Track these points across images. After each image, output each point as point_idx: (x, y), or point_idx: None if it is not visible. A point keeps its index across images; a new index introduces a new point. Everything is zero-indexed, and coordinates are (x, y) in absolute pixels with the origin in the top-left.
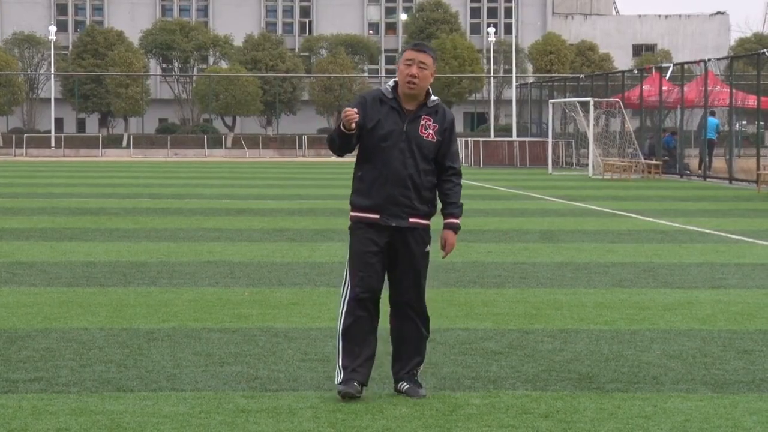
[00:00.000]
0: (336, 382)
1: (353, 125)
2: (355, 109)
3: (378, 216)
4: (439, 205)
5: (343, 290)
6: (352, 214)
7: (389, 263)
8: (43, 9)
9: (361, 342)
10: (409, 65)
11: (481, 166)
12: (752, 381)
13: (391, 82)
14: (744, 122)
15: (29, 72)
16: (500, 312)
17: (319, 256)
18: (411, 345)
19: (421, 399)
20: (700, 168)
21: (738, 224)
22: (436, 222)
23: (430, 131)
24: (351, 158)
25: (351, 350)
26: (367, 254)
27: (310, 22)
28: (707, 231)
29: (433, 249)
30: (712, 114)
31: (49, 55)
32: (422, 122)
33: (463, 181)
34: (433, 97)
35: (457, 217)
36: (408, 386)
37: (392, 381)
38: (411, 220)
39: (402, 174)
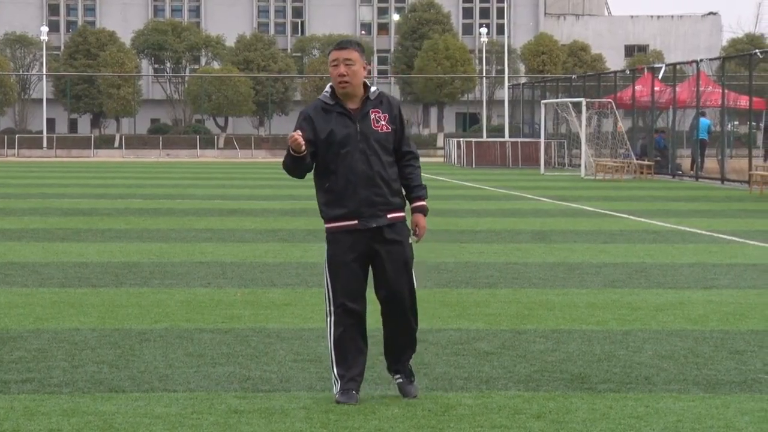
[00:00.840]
0: (334, 391)
1: (302, 147)
2: (299, 132)
3: (356, 221)
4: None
5: (326, 300)
6: (328, 225)
7: (374, 264)
8: (34, 9)
9: (353, 348)
10: (336, 65)
11: (474, 166)
12: (744, 381)
13: (327, 88)
14: (736, 123)
15: (21, 72)
16: (492, 312)
17: (312, 257)
18: (405, 338)
19: (412, 399)
20: (692, 168)
21: (730, 224)
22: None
23: (383, 122)
24: None
25: (344, 359)
26: (348, 263)
27: (302, 23)
28: (699, 231)
29: (434, 248)
30: (703, 114)
31: (41, 56)
32: (372, 116)
33: (454, 182)
34: (373, 88)
35: (423, 199)
36: (401, 380)
37: (386, 370)
38: (389, 216)
39: (370, 174)
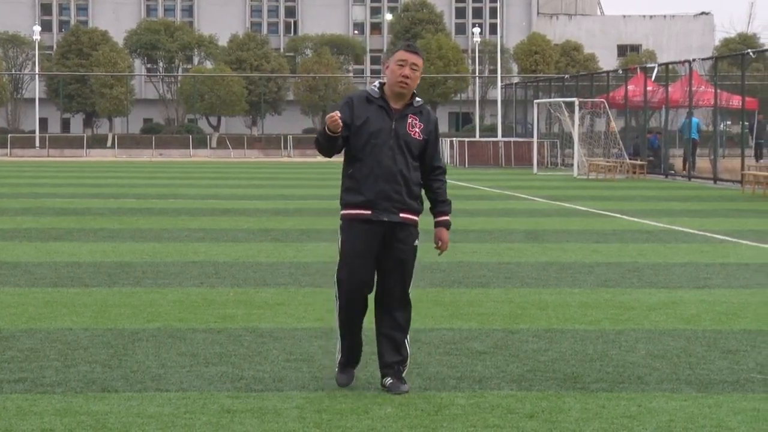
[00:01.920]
0: (337, 371)
1: (339, 129)
2: (338, 113)
3: (370, 212)
4: (427, 204)
5: (336, 285)
6: (344, 212)
7: (378, 258)
8: (27, 9)
9: (356, 333)
10: (402, 66)
11: (466, 166)
12: (736, 381)
13: (377, 83)
14: (728, 122)
15: (14, 72)
16: (485, 312)
17: (305, 257)
18: (398, 335)
19: (403, 395)
20: (684, 168)
21: (722, 224)
22: (427, 222)
23: (417, 130)
24: (337, 158)
25: (350, 343)
26: (359, 250)
27: (295, 22)
28: (692, 231)
29: (429, 247)
30: (693, 114)
31: (34, 55)
32: (409, 120)
33: (448, 181)
34: (418, 98)
35: (448, 215)
36: (391, 381)
37: (378, 371)
38: (402, 215)
39: (393, 170)
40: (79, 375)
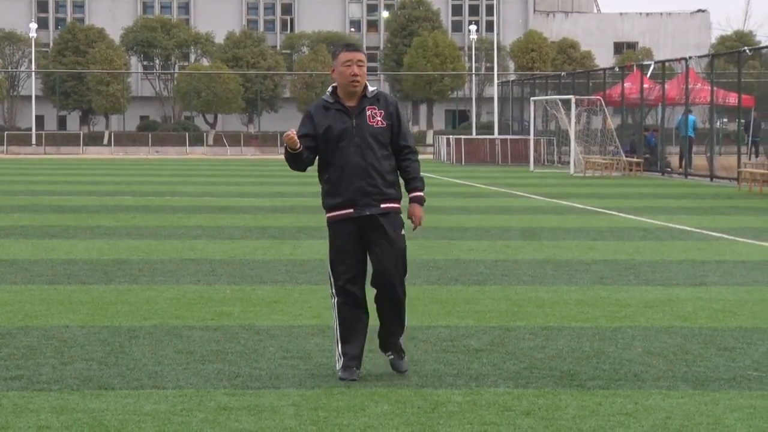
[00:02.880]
0: (337, 368)
1: (297, 145)
2: (293, 130)
3: (352, 210)
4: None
5: (330, 284)
6: (328, 215)
7: (369, 249)
8: (23, 6)
9: (356, 328)
10: (349, 65)
11: (463, 163)
12: (733, 378)
13: (329, 89)
14: (725, 120)
15: (10, 69)
16: (482, 309)
17: (301, 254)
18: (395, 318)
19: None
20: (680, 165)
21: (719, 222)
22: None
23: (378, 118)
24: None
25: (349, 338)
26: (347, 246)
27: (292, 20)
28: (688, 228)
29: (425, 245)
30: (690, 112)
31: (30, 53)
32: (368, 113)
33: (444, 179)
34: (371, 88)
35: (420, 191)
36: (393, 356)
37: (378, 349)
38: (383, 206)
39: (363, 166)
40: (76, 372)
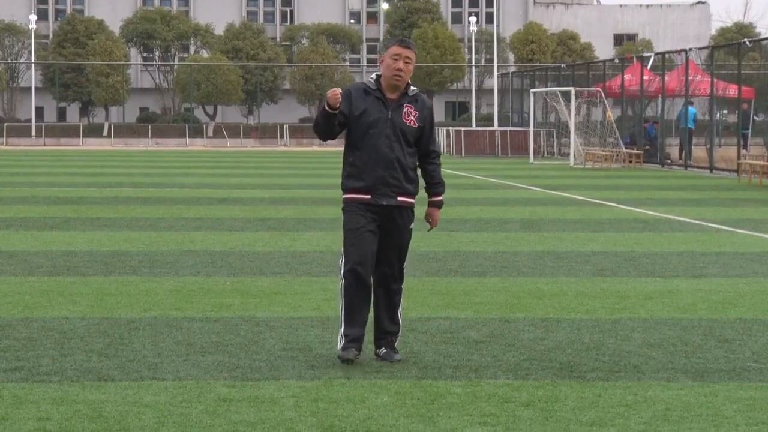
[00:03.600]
0: (338, 347)
1: (339, 102)
2: (339, 90)
3: (369, 196)
4: (422, 184)
5: (339, 266)
6: (345, 196)
7: (378, 239)
8: None
9: (360, 311)
10: (396, 60)
11: (463, 155)
12: (732, 370)
13: (373, 75)
14: (725, 112)
15: (9, 61)
16: (481, 301)
17: (301, 246)
18: (391, 311)
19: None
20: (680, 157)
21: (718, 213)
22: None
23: (412, 118)
24: (333, 147)
25: (352, 320)
26: (360, 230)
27: (292, 11)
28: (688, 220)
29: (425, 236)
30: (690, 104)
31: (30, 44)
32: (404, 110)
33: (444, 171)
34: (413, 87)
35: (440, 195)
36: (386, 351)
37: (373, 347)
38: (399, 198)
39: (390, 157)
40: (76, 364)
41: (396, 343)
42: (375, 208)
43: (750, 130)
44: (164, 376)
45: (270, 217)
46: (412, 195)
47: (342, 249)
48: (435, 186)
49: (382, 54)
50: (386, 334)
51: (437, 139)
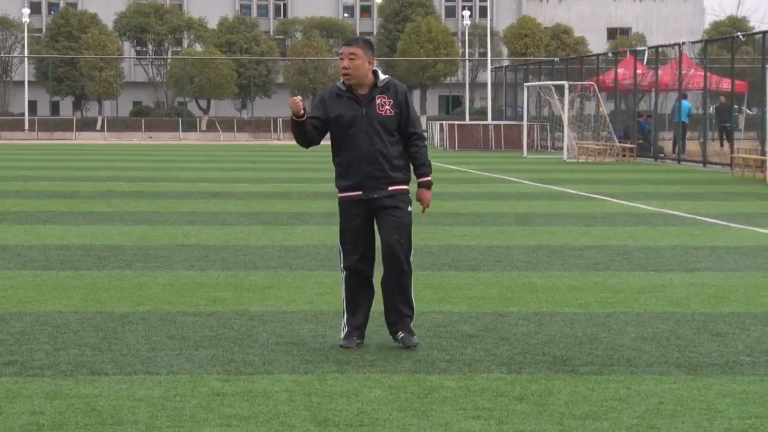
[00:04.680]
0: (340, 336)
1: (301, 111)
2: (299, 97)
3: (360, 192)
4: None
5: (339, 262)
6: (339, 195)
7: (378, 226)
8: None
9: (361, 303)
10: (342, 59)
11: (456, 149)
12: (726, 363)
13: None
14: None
15: (2, 55)
16: (475, 295)
17: (295, 240)
18: (401, 297)
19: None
20: (674, 151)
21: (712, 207)
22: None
23: (387, 107)
24: (325, 141)
25: (353, 310)
26: (355, 226)
27: (285, 5)
28: (681, 214)
29: (418, 231)
30: (684, 97)
31: (23, 38)
32: (377, 101)
33: (437, 164)
34: (383, 77)
35: (428, 175)
36: (403, 335)
37: (388, 333)
38: (390, 188)
39: (371, 152)
40: (69, 358)
41: (411, 325)
42: (368, 203)
43: (731, 124)
44: (158, 370)
45: (263, 211)
46: (403, 182)
47: (339, 245)
48: (420, 167)
49: None
50: (402, 318)
51: (419, 122)
